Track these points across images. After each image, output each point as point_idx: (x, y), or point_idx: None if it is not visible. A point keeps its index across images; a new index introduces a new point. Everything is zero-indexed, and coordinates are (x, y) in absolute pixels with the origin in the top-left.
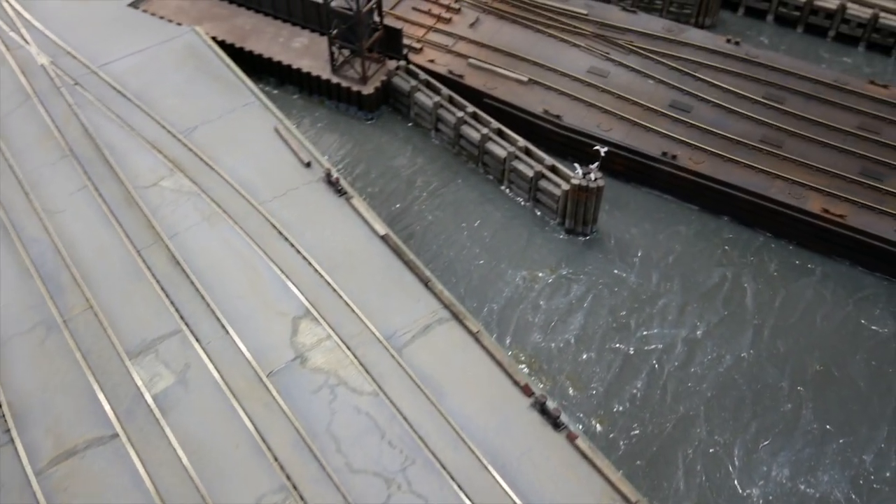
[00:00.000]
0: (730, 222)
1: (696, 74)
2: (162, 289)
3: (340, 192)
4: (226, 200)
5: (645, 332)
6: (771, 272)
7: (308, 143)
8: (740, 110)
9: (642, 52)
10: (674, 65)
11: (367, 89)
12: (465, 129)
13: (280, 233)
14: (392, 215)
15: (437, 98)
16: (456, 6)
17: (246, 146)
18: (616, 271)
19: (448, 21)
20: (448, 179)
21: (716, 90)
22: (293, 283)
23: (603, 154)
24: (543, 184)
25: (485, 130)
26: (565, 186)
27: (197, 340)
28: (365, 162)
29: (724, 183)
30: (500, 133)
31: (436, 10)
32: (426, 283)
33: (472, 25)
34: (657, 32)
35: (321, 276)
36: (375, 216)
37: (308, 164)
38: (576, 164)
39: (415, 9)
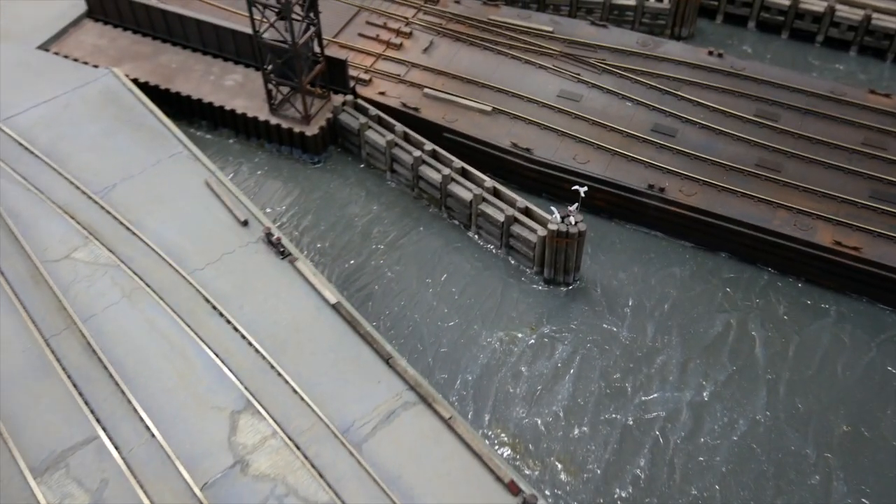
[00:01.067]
0: (729, 259)
1: (679, 93)
2: (74, 386)
3: (283, 254)
4: (150, 272)
5: (644, 398)
6: (780, 315)
7: (245, 197)
8: (731, 131)
9: (617, 70)
10: (653, 83)
11: (312, 129)
12: (425, 170)
13: (214, 307)
14: (346, 274)
15: (390, 136)
16: (407, 30)
17: (173, 205)
18: (605, 325)
19: (399, 47)
20: (408, 228)
21: (701, 110)
22: (230, 370)
23: (583, 195)
24: (517, 229)
25: (447, 171)
26: (542, 232)
27: (116, 449)
28: (313, 212)
29: (720, 216)
30: (464, 173)
31: (384, 35)
32: (387, 359)
33: (425, 51)
34: (631, 48)
35: (264, 358)
36: (325, 281)
37: (245, 223)
38: (552, 208)
39: (361, 35)
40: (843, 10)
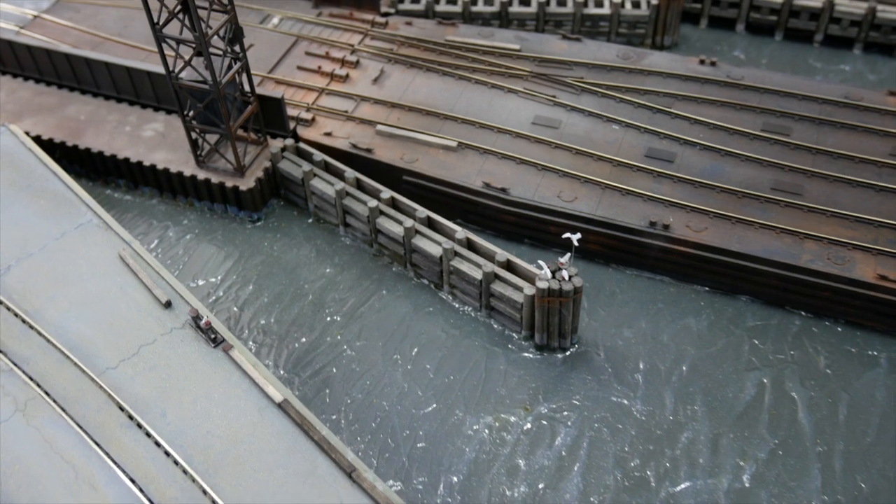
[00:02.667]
0: (752, 304)
1: (671, 110)
2: None
3: (216, 341)
4: (50, 375)
5: (671, 489)
6: (822, 369)
7: (167, 271)
8: (738, 151)
9: (597, 89)
10: (641, 101)
11: (247, 182)
12: (384, 222)
13: (130, 417)
14: (297, 356)
15: (340, 184)
16: (353, 59)
17: (80, 287)
18: (615, 398)
19: (344, 79)
20: (369, 292)
21: (700, 128)
22: (151, 502)
23: (577, 243)
24: (498, 288)
25: (409, 222)
26: (529, 290)
27: None
28: (254, 281)
29: (737, 254)
30: (430, 223)
31: (327, 66)
32: (350, 472)
33: (375, 81)
34: (611, 62)
35: (194, 481)
36: (268, 373)
37: (168, 304)
38: (541, 262)
39: (301, 68)
40: (844, 4)
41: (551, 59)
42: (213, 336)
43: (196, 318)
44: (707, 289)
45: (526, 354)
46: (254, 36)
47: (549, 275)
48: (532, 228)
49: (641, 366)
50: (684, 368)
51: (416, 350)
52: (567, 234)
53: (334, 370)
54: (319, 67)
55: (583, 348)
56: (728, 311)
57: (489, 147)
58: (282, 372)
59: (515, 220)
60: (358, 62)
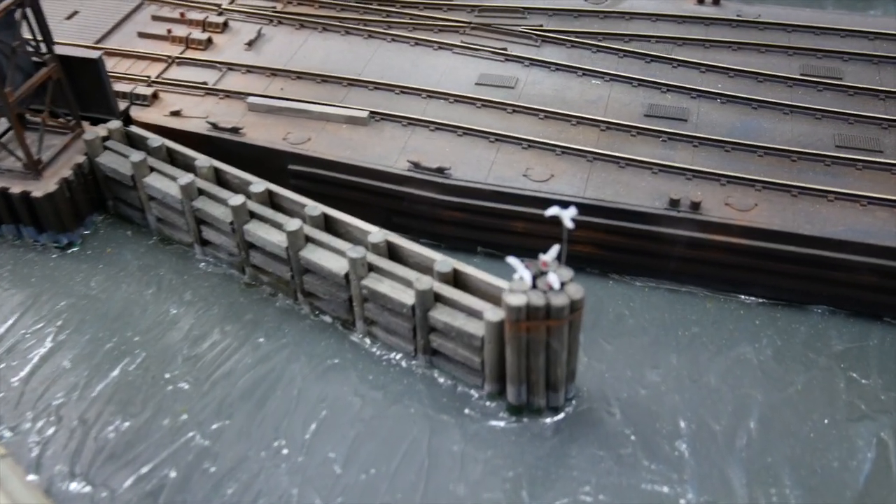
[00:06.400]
0: (830, 315)
1: (673, 57)
2: None
3: None
4: None
5: None
6: None
7: None
8: (776, 100)
9: (565, 39)
10: (628, 48)
11: (45, 186)
12: (257, 230)
13: None
14: (111, 453)
15: (188, 178)
16: (219, 20)
17: None
18: (648, 486)
19: (206, 45)
20: (238, 341)
21: (716, 77)
22: None
23: (572, 224)
24: (442, 317)
25: (295, 224)
26: (493, 315)
27: None
28: (53, 337)
29: (811, 240)
30: (327, 224)
31: (181, 31)
32: None
33: (251, 45)
34: (578, 6)
35: None
36: (38, 498)
37: None
38: (513, 259)
39: (143, 35)
40: None
41: (496, 8)
42: None
43: None
44: (760, 300)
45: (494, 423)
46: (80, 0)
47: (530, 282)
48: (488, 229)
49: (683, 427)
50: (752, 426)
51: (313, 428)
52: (553, 210)
53: (173, 473)
54: (170, 31)
55: (585, 405)
56: (800, 331)
57: (417, 116)
58: (79, 486)
59: (462, 219)
60: (226, 24)
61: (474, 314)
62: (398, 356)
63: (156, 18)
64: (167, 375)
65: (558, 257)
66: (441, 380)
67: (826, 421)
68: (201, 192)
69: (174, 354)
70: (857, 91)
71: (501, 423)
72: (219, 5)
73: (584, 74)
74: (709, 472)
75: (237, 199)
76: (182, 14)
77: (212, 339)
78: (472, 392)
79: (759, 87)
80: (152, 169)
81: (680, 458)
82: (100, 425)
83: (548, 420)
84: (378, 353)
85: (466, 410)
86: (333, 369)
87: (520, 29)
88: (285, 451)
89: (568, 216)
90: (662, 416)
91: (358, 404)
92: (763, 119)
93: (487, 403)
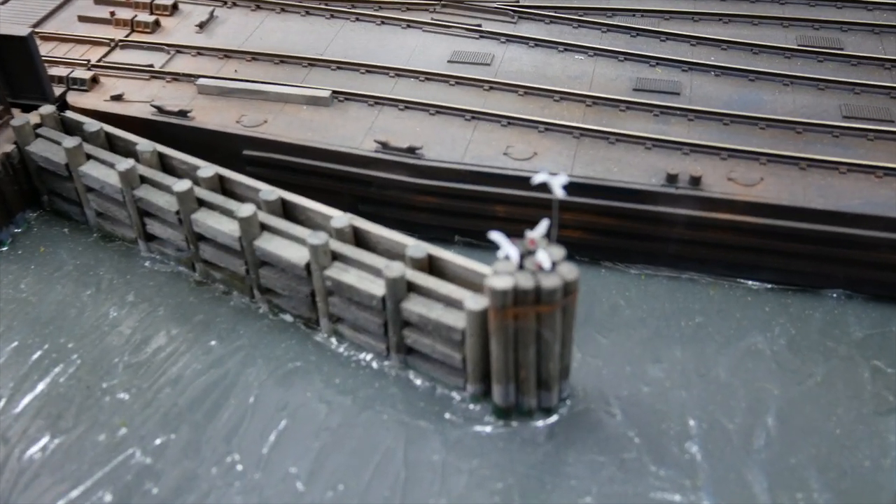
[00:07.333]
0: (847, 300)
1: (661, 30)
2: None
3: None
4: None
5: None
6: None
7: None
8: (775, 71)
9: (543, 14)
10: (612, 23)
11: None
12: (205, 219)
13: None
14: (34, 474)
15: (127, 163)
16: (167, 2)
17: None
18: (657, 494)
19: (152, 27)
20: (186, 344)
21: (708, 49)
22: None
23: (561, 193)
24: (417, 308)
25: (248, 210)
26: (475, 303)
27: None
28: None
29: (824, 215)
30: (285, 211)
31: (126, 13)
32: None
33: (202, 27)
34: None
35: None
36: None
37: None
38: (496, 235)
39: (83, 18)
40: None
41: None
42: None
43: None
44: (769, 285)
45: (479, 428)
46: None
47: (518, 262)
48: (465, 215)
49: (693, 427)
50: (770, 423)
51: (271, 440)
52: (541, 176)
53: (108, 497)
54: (113, 14)
55: (581, 405)
56: (815, 318)
57: (384, 95)
58: None
59: (437, 205)
60: (175, 6)
61: (453, 304)
62: (368, 356)
63: (99, 2)
64: (104, 385)
65: (548, 234)
66: (417, 381)
67: (852, 416)
68: (144, 179)
69: (113, 362)
70: (861, 61)
71: (487, 429)
72: None
73: (565, 50)
74: (725, 476)
75: (183, 185)
76: None
77: (156, 343)
78: (454, 394)
79: (755, 58)
80: (89, 156)
81: (691, 462)
82: (24, 443)
83: (540, 423)
84: (345, 353)
85: (447, 415)
86: (295, 373)
87: (494, 5)
88: (239, 468)
89: (558, 184)
90: (669, 415)
91: (323, 412)
92: (762, 91)
93: (471, 406)
